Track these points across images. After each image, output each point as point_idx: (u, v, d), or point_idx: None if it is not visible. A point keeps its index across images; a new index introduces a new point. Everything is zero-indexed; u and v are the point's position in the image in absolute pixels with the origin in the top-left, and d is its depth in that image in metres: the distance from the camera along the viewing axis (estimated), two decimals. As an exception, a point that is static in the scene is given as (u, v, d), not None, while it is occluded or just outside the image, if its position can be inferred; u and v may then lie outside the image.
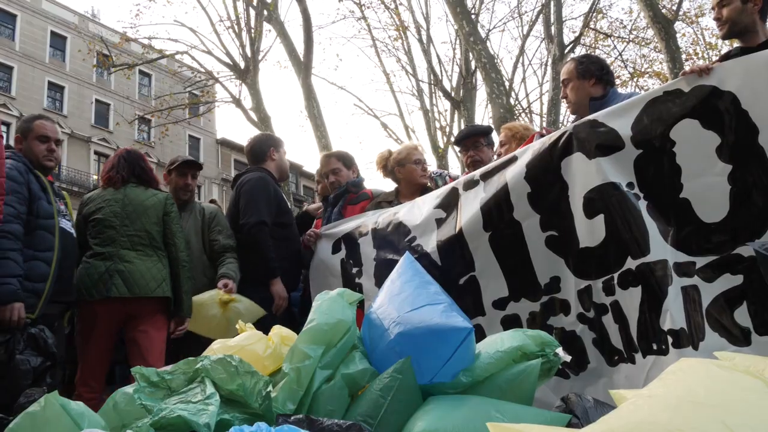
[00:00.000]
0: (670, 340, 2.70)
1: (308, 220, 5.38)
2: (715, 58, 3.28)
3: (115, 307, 3.83)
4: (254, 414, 2.03)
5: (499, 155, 4.36)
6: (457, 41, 19.18)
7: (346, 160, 5.06)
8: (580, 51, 17.59)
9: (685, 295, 2.71)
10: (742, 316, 2.58)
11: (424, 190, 4.49)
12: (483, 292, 3.48)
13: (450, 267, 3.58)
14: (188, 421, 1.82)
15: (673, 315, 2.69)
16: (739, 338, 2.56)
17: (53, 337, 3.44)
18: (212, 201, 6.81)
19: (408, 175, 4.65)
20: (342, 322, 2.39)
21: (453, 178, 4.54)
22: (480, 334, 3.10)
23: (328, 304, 2.48)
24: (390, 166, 4.73)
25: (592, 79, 3.75)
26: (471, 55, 14.39)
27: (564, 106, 14.72)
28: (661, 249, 2.79)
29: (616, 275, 2.93)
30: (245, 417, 2.02)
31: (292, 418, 1.97)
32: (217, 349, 2.53)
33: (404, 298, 2.42)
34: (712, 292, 2.66)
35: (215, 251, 4.49)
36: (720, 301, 2.64)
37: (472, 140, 4.79)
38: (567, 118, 15.96)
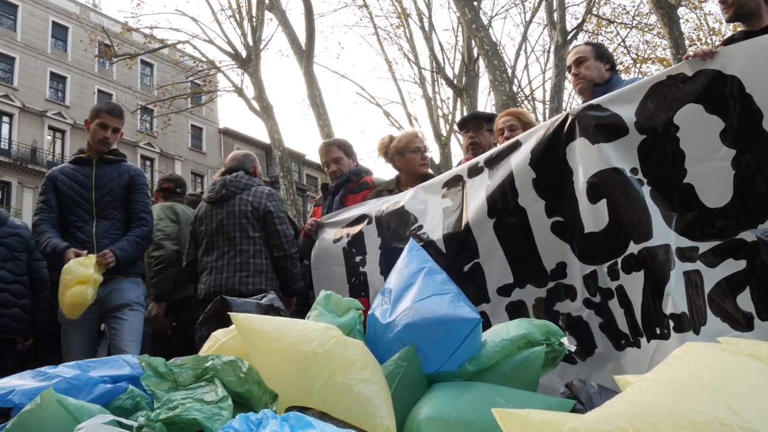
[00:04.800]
0: (671, 324, 2.69)
1: None
2: (718, 44, 3.27)
3: None
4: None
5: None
6: (460, 28, 19.12)
7: (347, 149, 5.04)
8: (582, 37, 17.52)
9: (687, 280, 2.70)
10: (744, 301, 2.58)
11: (425, 177, 4.46)
12: (487, 279, 3.48)
13: (455, 255, 3.58)
14: (202, 426, 1.81)
15: (674, 299, 2.69)
16: (742, 323, 2.56)
17: None
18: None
19: (407, 165, 4.60)
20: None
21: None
22: (485, 320, 3.09)
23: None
24: (390, 153, 4.71)
25: (608, 64, 3.88)
26: (473, 42, 14.33)
27: (567, 93, 14.69)
28: (663, 234, 2.79)
29: (619, 260, 2.93)
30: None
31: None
32: (220, 335, 2.51)
33: (411, 288, 2.41)
34: (714, 277, 2.66)
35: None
36: (722, 286, 2.63)
37: (475, 123, 4.82)
38: (570, 106, 15.91)
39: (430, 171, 4.72)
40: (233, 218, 4.36)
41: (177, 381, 2.06)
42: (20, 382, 2.28)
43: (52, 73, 35.43)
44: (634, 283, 2.87)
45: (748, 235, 2.59)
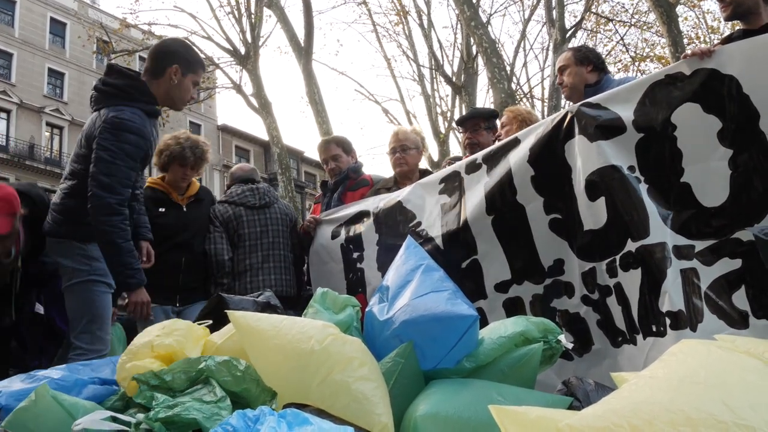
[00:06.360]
0: (668, 321, 2.70)
1: None
2: (716, 43, 3.27)
3: None
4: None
5: (500, 138, 4.36)
6: (458, 26, 19.15)
7: (346, 146, 5.06)
8: (581, 35, 17.57)
9: (684, 278, 2.71)
10: (740, 299, 2.59)
11: (423, 174, 4.47)
12: (485, 275, 3.48)
13: (453, 251, 3.58)
14: (201, 426, 1.81)
15: (671, 297, 2.69)
16: (737, 321, 2.57)
17: None
18: None
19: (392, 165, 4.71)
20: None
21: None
22: (481, 316, 3.10)
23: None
24: None
25: (590, 65, 3.93)
26: (472, 39, 14.30)
27: (565, 91, 14.66)
28: (660, 232, 2.79)
29: (618, 257, 2.93)
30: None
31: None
32: (219, 335, 2.49)
33: (408, 285, 2.41)
34: (711, 275, 2.67)
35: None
36: (719, 284, 2.64)
37: (473, 122, 4.84)
38: (568, 103, 15.89)
39: (426, 168, 4.76)
40: (277, 224, 4.65)
41: (172, 388, 2.03)
42: (7, 384, 2.28)
43: (50, 69, 35.38)
44: (631, 281, 2.87)
45: (744, 235, 2.60)
